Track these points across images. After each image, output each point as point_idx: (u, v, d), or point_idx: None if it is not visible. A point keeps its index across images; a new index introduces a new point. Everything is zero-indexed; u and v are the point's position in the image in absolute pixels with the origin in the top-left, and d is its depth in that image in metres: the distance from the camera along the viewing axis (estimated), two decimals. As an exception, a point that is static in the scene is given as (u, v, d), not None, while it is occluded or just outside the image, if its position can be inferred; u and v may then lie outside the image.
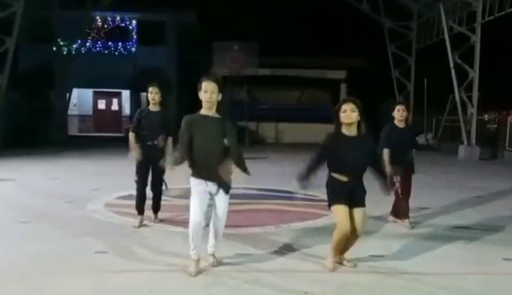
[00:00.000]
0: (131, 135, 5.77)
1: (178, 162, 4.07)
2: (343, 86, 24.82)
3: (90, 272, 4.07)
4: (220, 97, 4.05)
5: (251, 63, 19.80)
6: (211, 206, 4.18)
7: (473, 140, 16.38)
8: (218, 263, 4.29)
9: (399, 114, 6.02)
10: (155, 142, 5.66)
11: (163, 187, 5.90)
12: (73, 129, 24.33)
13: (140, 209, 5.74)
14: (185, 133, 4.01)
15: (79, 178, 9.74)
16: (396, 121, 6.06)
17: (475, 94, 16.39)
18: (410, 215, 5.97)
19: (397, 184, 5.80)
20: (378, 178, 4.28)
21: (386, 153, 5.79)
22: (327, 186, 4.20)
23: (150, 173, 5.74)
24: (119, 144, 13.71)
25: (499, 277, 4.24)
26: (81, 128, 25.01)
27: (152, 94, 5.77)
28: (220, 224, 4.23)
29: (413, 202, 6.87)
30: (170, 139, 5.71)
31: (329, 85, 23.71)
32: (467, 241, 5.31)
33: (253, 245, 4.96)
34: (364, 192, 4.16)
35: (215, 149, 3.98)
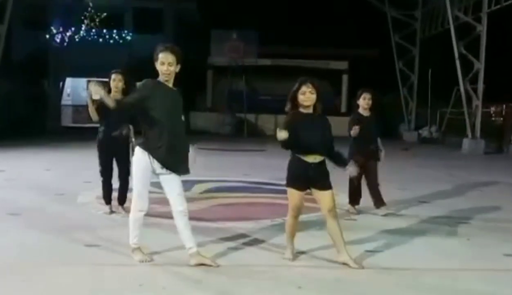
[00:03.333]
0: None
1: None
2: (345, 77, 24.75)
3: (81, 264, 4.09)
4: (178, 69, 3.99)
5: (250, 52, 19.77)
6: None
7: (478, 134, 16.34)
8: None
9: (364, 102, 6.14)
10: (118, 132, 5.60)
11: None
12: (67, 120, 24.26)
13: (108, 199, 5.86)
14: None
15: (71, 170, 9.74)
16: (361, 110, 6.18)
17: (481, 86, 16.33)
18: (408, 206, 6.01)
19: (351, 169, 5.59)
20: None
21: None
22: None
23: (115, 164, 5.78)
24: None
25: (499, 273, 4.25)
26: (75, 119, 24.94)
27: (115, 82, 5.60)
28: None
29: (412, 195, 6.91)
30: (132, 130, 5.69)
31: (331, 76, 23.63)
32: (467, 236, 5.31)
33: (247, 239, 4.96)
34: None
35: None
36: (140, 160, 3.98)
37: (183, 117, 4.05)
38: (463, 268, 4.32)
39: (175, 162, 3.98)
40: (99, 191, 7.16)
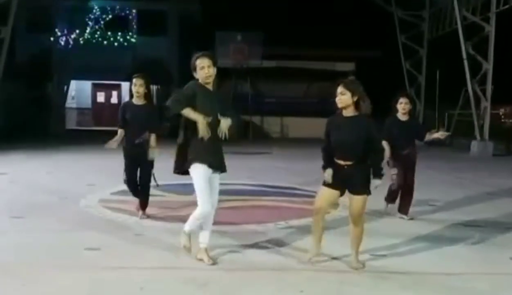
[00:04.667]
0: (120, 132, 5.66)
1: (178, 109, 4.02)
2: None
3: (81, 268, 4.09)
4: (215, 71, 4.20)
5: (255, 54, 19.78)
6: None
7: (487, 136, 16.25)
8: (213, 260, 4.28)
9: (401, 107, 6.04)
10: (141, 139, 5.58)
11: (153, 183, 5.86)
12: (71, 123, 24.39)
13: (143, 207, 5.84)
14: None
15: (75, 173, 9.77)
16: (399, 114, 6.09)
17: (489, 87, 16.25)
18: (416, 210, 6.03)
19: (394, 177, 5.99)
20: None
21: (385, 144, 5.72)
22: None
23: (138, 171, 5.72)
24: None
25: (506, 277, 4.21)
26: (80, 121, 25.06)
27: (137, 87, 5.56)
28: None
29: (421, 198, 6.86)
30: (153, 136, 5.64)
31: (337, 77, 23.56)
32: (475, 239, 5.27)
33: (251, 243, 4.95)
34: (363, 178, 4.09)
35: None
36: (197, 167, 4.10)
37: (229, 120, 4.13)
38: (470, 271, 4.28)
39: (218, 162, 4.21)
40: (102, 194, 7.19)
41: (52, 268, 4.08)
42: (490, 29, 16.00)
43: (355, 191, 4.09)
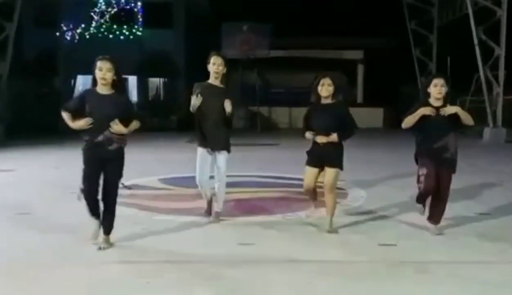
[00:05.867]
0: (65, 114, 4.55)
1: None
2: (360, 67, 24.52)
3: (87, 262, 4.13)
4: (225, 70, 5.24)
5: (262, 44, 19.66)
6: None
7: (499, 122, 16.08)
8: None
9: (436, 90, 4.79)
10: (105, 137, 4.40)
11: (122, 190, 4.88)
12: (79, 118, 24.46)
13: (98, 217, 4.57)
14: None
15: (81, 169, 9.80)
16: (432, 100, 4.86)
17: (502, 72, 16.04)
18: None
19: (421, 178, 4.86)
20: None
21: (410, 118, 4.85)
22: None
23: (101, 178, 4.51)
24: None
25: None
26: (88, 116, 25.13)
27: (103, 71, 4.37)
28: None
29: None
30: (134, 124, 4.53)
31: (346, 66, 23.43)
32: (487, 228, 5.23)
33: (258, 235, 4.97)
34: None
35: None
36: (199, 150, 5.33)
37: (229, 108, 5.07)
38: (481, 260, 4.26)
39: (216, 145, 5.26)
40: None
41: (53, 265, 4.12)
42: (502, 13, 15.75)
43: (329, 164, 4.97)
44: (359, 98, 24.47)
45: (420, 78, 21.05)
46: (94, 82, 4.49)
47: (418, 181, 4.91)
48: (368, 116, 20.17)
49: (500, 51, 15.89)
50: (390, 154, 11.83)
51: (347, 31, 22.51)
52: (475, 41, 16.31)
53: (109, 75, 4.41)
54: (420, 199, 5.04)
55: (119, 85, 4.53)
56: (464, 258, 4.32)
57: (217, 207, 5.48)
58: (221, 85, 5.25)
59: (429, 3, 20.74)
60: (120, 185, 4.71)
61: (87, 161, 4.53)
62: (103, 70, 4.41)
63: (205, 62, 5.23)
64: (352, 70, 23.71)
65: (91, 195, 4.48)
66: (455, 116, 4.78)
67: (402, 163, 6.92)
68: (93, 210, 4.52)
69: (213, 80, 5.23)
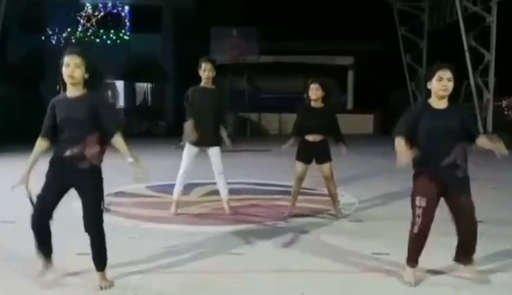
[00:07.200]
0: (40, 143, 3.86)
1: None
2: (350, 73, 24.65)
3: (73, 273, 4.03)
4: (214, 74, 5.91)
5: (251, 49, 19.70)
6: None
7: (490, 129, 16.22)
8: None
9: (440, 85, 3.65)
10: (75, 152, 3.59)
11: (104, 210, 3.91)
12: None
13: (47, 251, 3.83)
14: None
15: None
16: (432, 99, 3.77)
17: (492, 78, 16.21)
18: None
19: (417, 211, 3.72)
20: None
21: (398, 142, 3.71)
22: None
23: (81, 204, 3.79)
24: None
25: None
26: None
27: (70, 68, 3.58)
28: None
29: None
30: (118, 141, 3.73)
31: (336, 72, 23.53)
32: (479, 235, 5.21)
33: (249, 243, 4.92)
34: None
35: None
36: (187, 147, 5.94)
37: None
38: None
39: (205, 142, 5.86)
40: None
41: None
42: (492, 19, 15.93)
43: (322, 162, 5.82)
44: (349, 104, 24.57)
45: (411, 84, 21.20)
46: (63, 84, 3.70)
47: (414, 213, 3.76)
48: (358, 122, 20.27)
49: (490, 57, 16.06)
50: (381, 160, 11.84)
51: (337, 37, 22.61)
52: (465, 47, 16.45)
53: (78, 73, 3.57)
54: (414, 244, 3.85)
55: (93, 83, 3.74)
56: (454, 265, 4.29)
57: (226, 209, 6.13)
58: (212, 86, 5.97)
59: (419, 9, 20.92)
60: (104, 209, 3.85)
61: (48, 178, 3.70)
62: (71, 66, 3.56)
63: (194, 67, 5.91)
64: (342, 76, 23.81)
65: (40, 221, 3.62)
66: (466, 125, 3.73)
67: (394, 170, 6.89)
68: (41, 241, 3.66)
69: (205, 83, 5.94)
